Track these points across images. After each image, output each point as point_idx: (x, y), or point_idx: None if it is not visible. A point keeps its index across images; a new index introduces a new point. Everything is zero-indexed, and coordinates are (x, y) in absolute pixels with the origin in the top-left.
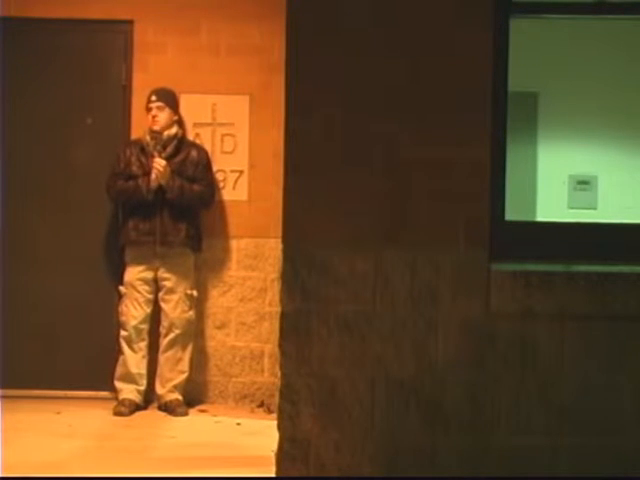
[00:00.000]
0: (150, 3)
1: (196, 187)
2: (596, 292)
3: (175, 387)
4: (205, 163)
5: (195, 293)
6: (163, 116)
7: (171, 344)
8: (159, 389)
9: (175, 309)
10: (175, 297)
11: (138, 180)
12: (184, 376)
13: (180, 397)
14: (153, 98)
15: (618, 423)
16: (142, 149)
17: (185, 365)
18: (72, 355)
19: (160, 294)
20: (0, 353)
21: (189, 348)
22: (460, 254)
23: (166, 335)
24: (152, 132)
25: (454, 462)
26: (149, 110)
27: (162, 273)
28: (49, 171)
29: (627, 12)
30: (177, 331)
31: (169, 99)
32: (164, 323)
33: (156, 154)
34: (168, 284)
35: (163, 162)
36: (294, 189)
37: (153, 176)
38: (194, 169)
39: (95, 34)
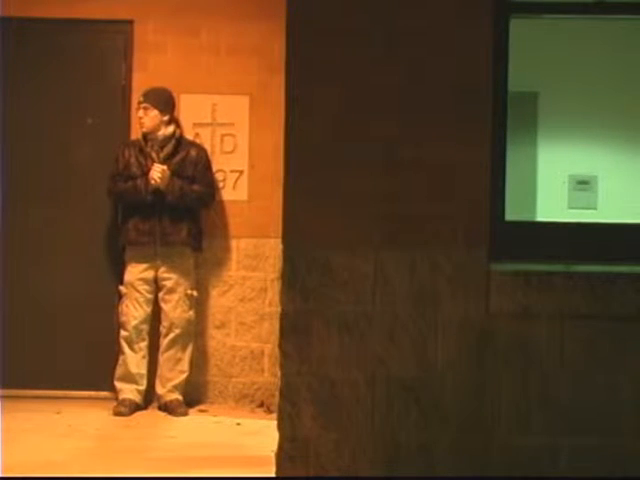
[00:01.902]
0: (150, 3)
1: (196, 188)
2: (596, 292)
3: (175, 387)
4: (205, 162)
5: (195, 293)
6: (149, 117)
7: (171, 344)
8: (159, 389)
9: (175, 309)
10: (175, 297)
11: (137, 180)
12: (184, 376)
13: (180, 397)
14: (140, 99)
15: (618, 423)
16: (140, 150)
17: (185, 365)
18: (72, 355)
19: (160, 294)
20: (0, 353)
21: (189, 348)
22: (460, 254)
23: (166, 335)
24: (144, 133)
25: (454, 462)
26: (139, 106)
27: (162, 273)
28: (49, 171)
29: (627, 12)
30: (177, 331)
31: (157, 99)
32: (164, 323)
33: (154, 154)
34: (168, 284)
35: (160, 167)
36: (294, 189)
37: (152, 181)
38: (193, 169)
39: (95, 34)
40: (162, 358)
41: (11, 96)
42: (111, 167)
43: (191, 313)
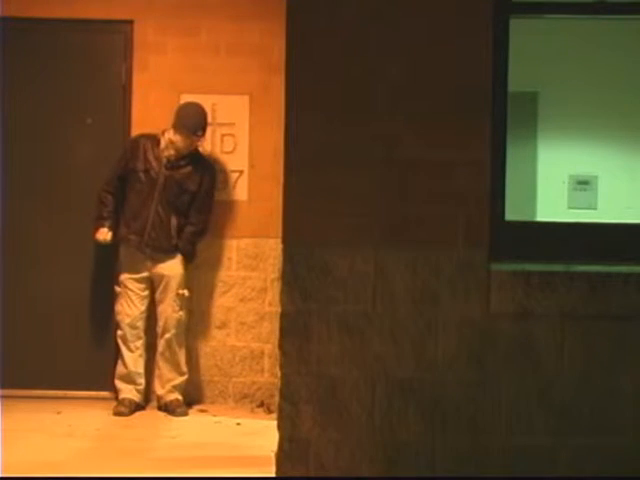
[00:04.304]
0: (150, 3)
1: (191, 229)
2: (596, 292)
3: (175, 387)
4: (208, 188)
5: (186, 293)
6: (198, 142)
7: (167, 344)
8: (158, 389)
9: (167, 309)
10: (167, 296)
11: (101, 222)
12: (184, 377)
13: (180, 397)
14: (199, 133)
15: (618, 423)
16: (153, 146)
17: (184, 366)
18: (72, 355)
19: (156, 293)
20: (0, 353)
21: (183, 348)
22: (460, 254)
23: (162, 335)
24: (176, 151)
25: (454, 462)
26: (186, 134)
27: (154, 271)
28: (49, 171)
29: (627, 12)
30: (171, 331)
31: (206, 127)
32: (159, 322)
33: (164, 159)
34: (160, 283)
35: (104, 236)
36: (294, 189)
37: (100, 239)
38: (197, 186)
39: (95, 34)
40: (161, 359)
41: (11, 96)
42: (116, 162)
43: (181, 313)
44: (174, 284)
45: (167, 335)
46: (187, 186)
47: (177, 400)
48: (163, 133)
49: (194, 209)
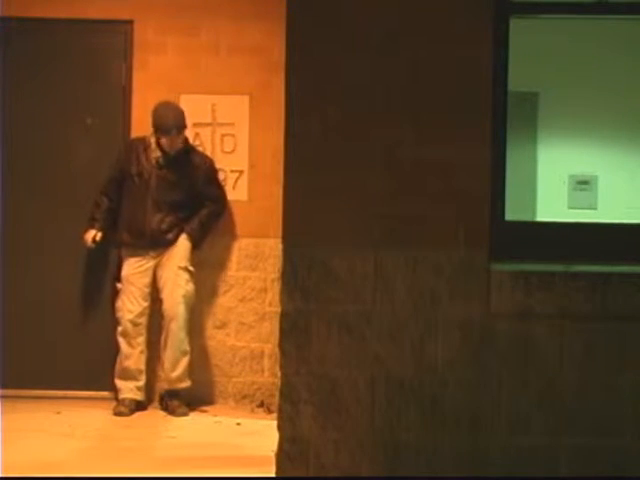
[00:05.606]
0: (150, 3)
1: (205, 212)
2: (596, 292)
3: (182, 375)
4: (209, 174)
5: (191, 268)
6: (180, 140)
7: (173, 324)
8: (167, 373)
9: (174, 286)
10: (172, 274)
11: (91, 224)
12: (187, 357)
13: (188, 382)
14: (174, 132)
15: (618, 423)
16: (145, 149)
17: (186, 344)
18: (72, 355)
19: (159, 281)
20: (0, 353)
21: (187, 324)
22: (460, 254)
23: (170, 319)
24: (163, 152)
25: (454, 462)
26: (165, 135)
27: (158, 258)
28: (49, 171)
29: (627, 12)
30: (176, 306)
31: (183, 123)
32: (165, 305)
33: (153, 160)
34: (165, 264)
35: (91, 238)
36: (294, 189)
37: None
38: (194, 180)
39: (95, 34)
40: (164, 342)
41: (11, 96)
42: (112, 166)
43: (188, 288)
44: (178, 259)
45: (172, 315)
46: (181, 182)
47: (178, 393)
48: (152, 134)
49: (204, 199)
